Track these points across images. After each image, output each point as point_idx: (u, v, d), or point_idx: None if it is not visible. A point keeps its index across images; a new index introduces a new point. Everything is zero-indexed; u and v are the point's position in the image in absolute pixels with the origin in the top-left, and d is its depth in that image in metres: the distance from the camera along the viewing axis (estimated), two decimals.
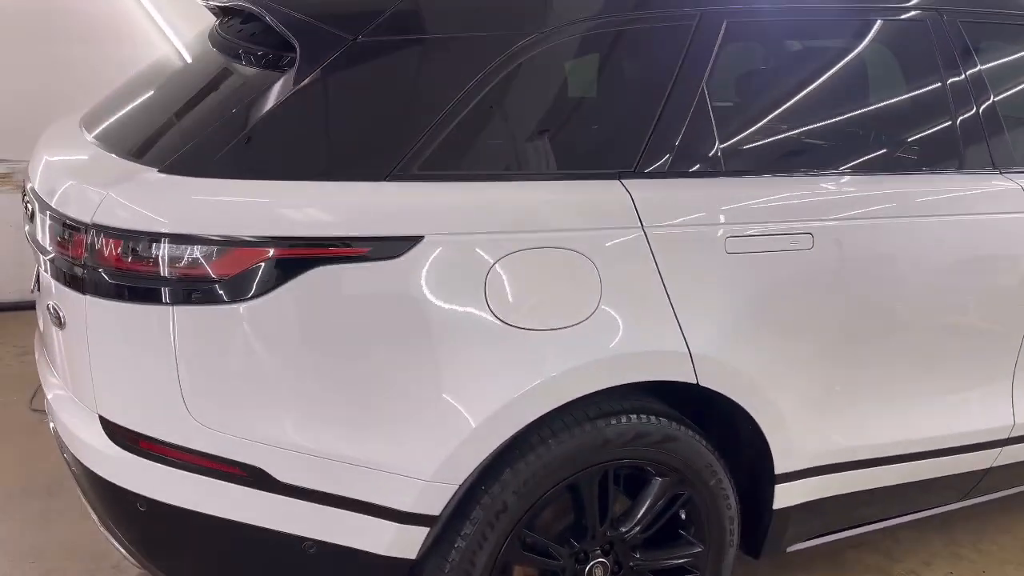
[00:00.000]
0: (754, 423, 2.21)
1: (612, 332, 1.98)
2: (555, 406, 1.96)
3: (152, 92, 2.40)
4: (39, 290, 2.34)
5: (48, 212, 1.97)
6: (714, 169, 2.15)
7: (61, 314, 1.93)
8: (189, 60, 2.49)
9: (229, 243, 1.75)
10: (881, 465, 2.44)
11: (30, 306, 2.47)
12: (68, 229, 1.86)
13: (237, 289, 1.77)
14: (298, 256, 1.77)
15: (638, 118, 2.08)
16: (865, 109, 2.44)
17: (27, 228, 2.25)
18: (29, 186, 2.22)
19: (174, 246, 1.75)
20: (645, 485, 2.19)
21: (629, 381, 2.02)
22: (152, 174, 1.83)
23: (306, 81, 1.88)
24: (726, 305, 2.10)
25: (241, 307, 1.77)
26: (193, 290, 1.77)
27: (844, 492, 2.43)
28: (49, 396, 2.20)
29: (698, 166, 2.13)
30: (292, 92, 1.87)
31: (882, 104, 2.47)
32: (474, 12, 2.04)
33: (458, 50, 1.98)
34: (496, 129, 1.99)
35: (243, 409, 1.83)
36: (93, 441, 1.91)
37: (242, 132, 1.85)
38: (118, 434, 1.88)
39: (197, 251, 1.75)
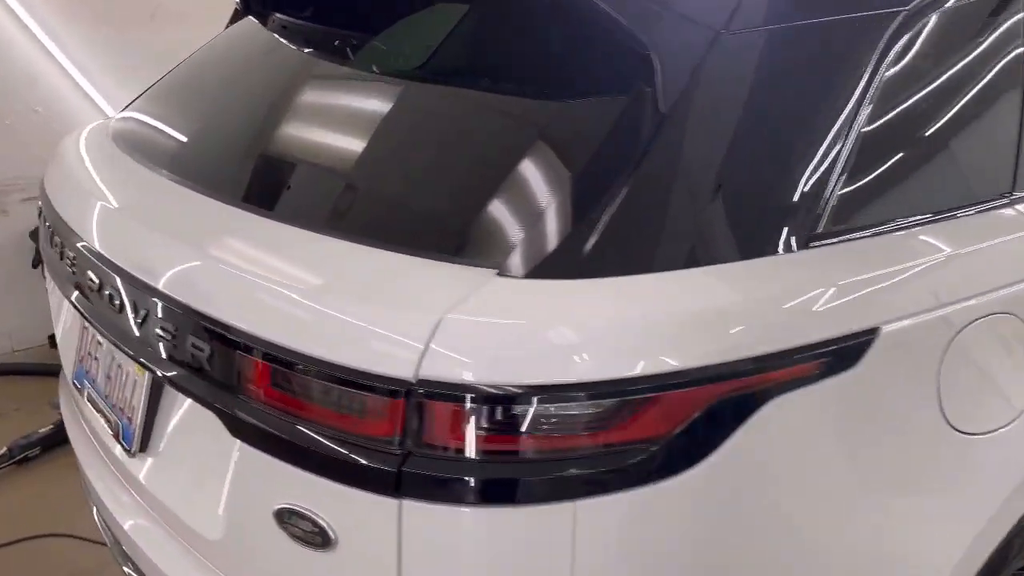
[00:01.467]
0: None
1: None
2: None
3: (271, 117, 1.60)
4: (129, 453, 1.49)
5: (218, 331, 1.18)
6: None
7: (324, 523, 1.13)
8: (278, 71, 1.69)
9: (670, 382, 1.06)
10: None
11: None
12: (334, 383, 1.08)
13: (674, 454, 1.08)
14: (750, 389, 1.11)
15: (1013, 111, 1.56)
16: None
17: (87, 308, 1.45)
18: (91, 246, 1.41)
19: (586, 403, 1.04)
20: None
21: None
22: (495, 280, 1.09)
23: (676, 105, 1.19)
24: None
25: (679, 482, 1.08)
26: (609, 468, 1.06)
27: None
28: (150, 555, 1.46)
29: None
30: (660, 128, 1.18)
31: None
32: None
33: (838, 38, 1.35)
34: (898, 151, 1.39)
35: None
36: None
37: (617, 200, 1.14)
38: None
39: (618, 402, 1.05)
